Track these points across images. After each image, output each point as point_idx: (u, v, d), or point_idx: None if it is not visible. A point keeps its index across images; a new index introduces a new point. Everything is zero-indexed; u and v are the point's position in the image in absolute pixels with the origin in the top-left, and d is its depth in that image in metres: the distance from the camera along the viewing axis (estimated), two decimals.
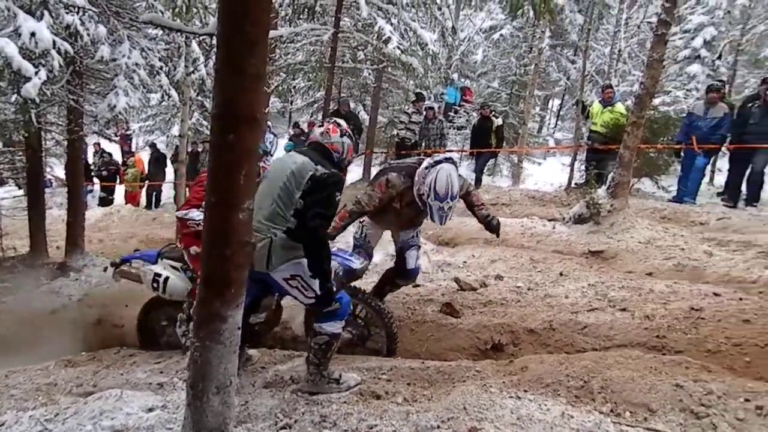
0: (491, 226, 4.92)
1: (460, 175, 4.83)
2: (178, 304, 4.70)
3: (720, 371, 3.57)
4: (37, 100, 5.90)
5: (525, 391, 3.36)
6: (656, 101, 12.17)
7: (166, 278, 4.64)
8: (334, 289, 3.54)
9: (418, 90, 13.61)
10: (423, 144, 12.77)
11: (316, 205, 3.37)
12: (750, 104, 9.19)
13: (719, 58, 15.85)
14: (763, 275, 5.48)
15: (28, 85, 5.69)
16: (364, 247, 4.89)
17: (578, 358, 3.77)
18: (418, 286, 5.71)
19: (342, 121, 3.89)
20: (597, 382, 3.34)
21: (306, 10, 10.27)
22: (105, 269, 7.32)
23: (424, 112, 12.89)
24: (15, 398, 4.07)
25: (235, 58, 2.01)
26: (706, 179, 11.25)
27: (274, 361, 4.24)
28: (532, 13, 8.69)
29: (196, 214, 4.39)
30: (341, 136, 3.74)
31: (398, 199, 4.64)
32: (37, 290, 7.64)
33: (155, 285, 4.67)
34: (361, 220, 4.97)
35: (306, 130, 13.74)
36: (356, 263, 4.48)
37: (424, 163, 4.49)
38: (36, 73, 5.65)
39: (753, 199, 9.24)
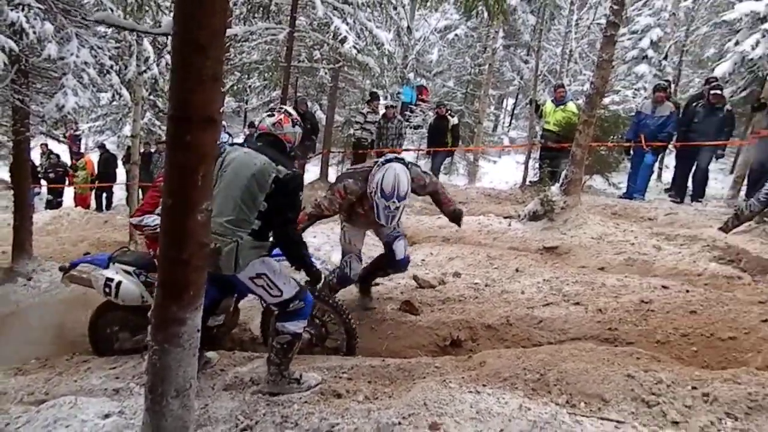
0: (456, 216, 5.05)
1: (426, 172, 4.90)
2: (130, 309, 4.58)
3: (669, 361, 3.71)
4: None
5: (484, 385, 3.42)
6: (606, 100, 12.50)
7: (119, 283, 4.49)
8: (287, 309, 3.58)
9: (372, 89, 13.64)
10: (381, 143, 12.79)
11: (284, 210, 3.42)
12: (695, 104, 9.56)
13: (665, 58, 16.37)
14: (708, 268, 5.71)
15: None
16: (353, 252, 4.89)
17: (534, 351, 3.85)
18: (378, 284, 5.73)
19: (291, 110, 3.87)
20: (553, 375, 3.42)
21: (261, 8, 10.19)
22: (56, 273, 7.12)
23: (383, 110, 12.92)
24: None
25: (191, 59, 1.99)
26: (655, 176, 11.62)
27: (233, 363, 4.19)
28: (486, 13, 8.81)
29: (151, 220, 4.34)
30: (293, 126, 3.72)
31: (359, 204, 4.69)
32: None
33: (107, 290, 4.52)
34: (342, 226, 5.01)
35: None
36: (351, 270, 4.72)
37: (377, 163, 4.54)
38: None
39: (698, 194, 9.61)
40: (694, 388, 3.18)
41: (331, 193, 4.65)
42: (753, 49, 11.97)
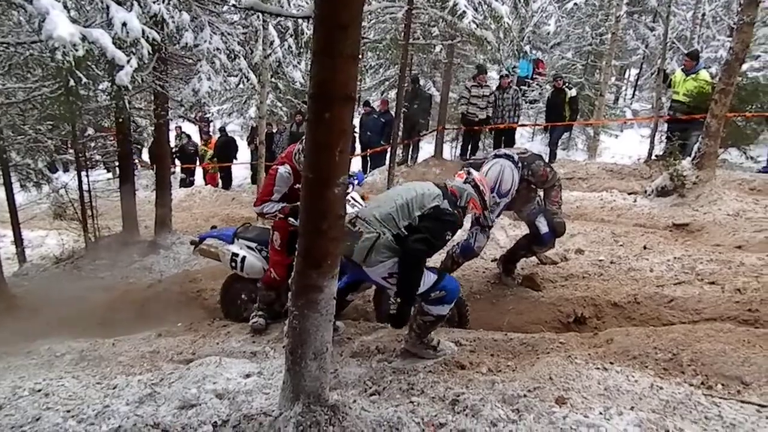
0: (552, 225, 4.93)
1: (550, 168, 4.85)
2: (256, 282, 4.93)
3: None
4: (130, 87, 6.23)
5: (611, 362, 3.35)
6: (744, 66, 11.52)
7: (243, 257, 4.91)
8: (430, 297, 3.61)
9: (479, 63, 13.34)
10: (496, 117, 12.49)
11: (427, 230, 3.46)
12: None
13: None
14: None
15: (121, 73, 6.01)
16: (486, 226, 4.91)
17: (666, 331, 3.71)
18: (496, 260, 5.72)
19: (475, 173, 3.99)
20: (686, 355, 3.30)
21: None
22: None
23: (498, 81, 12.57)
24: (123, 364, 4.40)
25: (332, 39, 2.10)
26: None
27: (359, 333, 4.39)
28: None
29: (270, 207, 4.57)
30: (464, 182, 3.87)
31: None
32: (132, 266, 8.15)
33: (233, 264, 4.96)
34: None
35: (377, 109, 13.79)
36: (476, 242, 4.76)
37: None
38: (128, 61, 5.96)
39: None
40: None
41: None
42: None
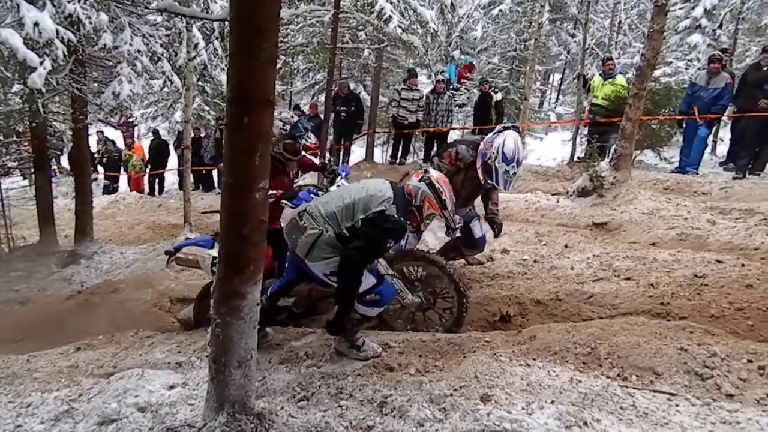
0: (495, 222, 5.06)
1: None
2: None
3: (723, 335, 3.67)
4: (43, 90, 5.96)
5: (534, 359, 3.46)
6: (657, 72, 12.14)
7: None
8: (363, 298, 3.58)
9: (410, 67, 13.53)
10: (429, 120, 12.65)
11: (366, 238, 3.41)
12: (766, 67, 9.05)
13: (720, 27, 15.75)
14: (765, 242, 5.56)
15: (33, 75, 5.75)
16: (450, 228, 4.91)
17: (585, 326, 3.86)
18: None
19: (432, 171, 3.92)
20: (604, 348, 3.44)
21: None
22: (116, 255, 7.42)
23: (434, 86, 12.75)
24: (38, 381, 4.18)
25: (249, 42, 2.08)
26: (708, 149, 11.26)
27: (288, 338, 4.34)
28: None
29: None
30: (420, 180, 3.79)
31: (463, 173, 4.77)
32: (50, 277, 7.78)
33: (215, 269, 4.67)
34: None
35: (307, 113, 13.73)
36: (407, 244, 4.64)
37: (491, 134, 4.61)
38: (41, 62, 5.70)
39: (758, 167, 9.26)
40: (749, 361, 3.15)
41: (440, 160, 4.79)
42: None
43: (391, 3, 9.74)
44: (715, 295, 4.38)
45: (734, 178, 8.96)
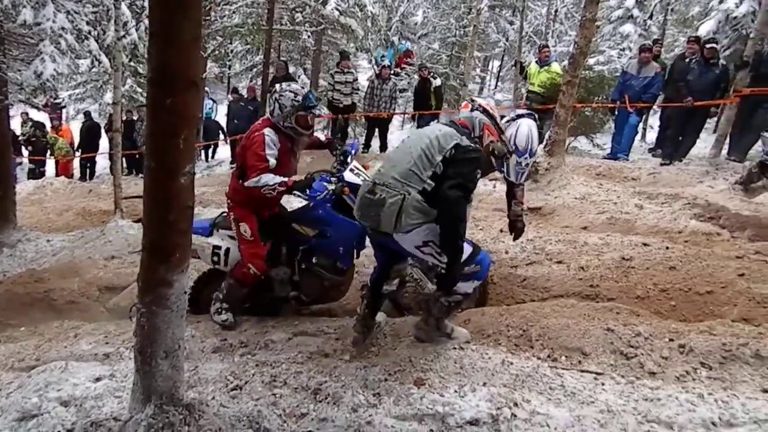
0: (516, 226, 4.30)
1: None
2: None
3: (648, 315, 3.83)
4: None
5: (468, 342, 3.51)
6: (591, 61, 12.47)
7: (227, 249, 4.35)
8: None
9: (344, 50, 13.36)
10: (372, 105, 12.54)
11: (458, 175, 3.17)
12: (689, 60, 9.37)
13: (650, 17, 16.28)
14: (688, 225, 5.81)
15: None
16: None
17: (517, 308, 3.95)
18: None
19: (477, 98, 3.65)
20: (535, 330, 3.53)
21: None
22: (42, 243, 7.06)
23: (379, 71, 12.62)
24: None
25: (170, 20, 1.98)
26: (639, 136, 11.65)
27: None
28: None
29: (270, 178, 4.00)
30: (471, 110, 3.52)
31: None
32: None
33: (215, 258, 4.40)
34: None
35: (246, 96, 13.44)
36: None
37: (505, 118, 4.08)
38: None
39: (682, 153, 9.66)
40: (671, 340, 3.29)
41: None
42: (737, 6, 11.99)
43: None
44: (641, 277, 4.54)
45: (661, 164, 9.32)
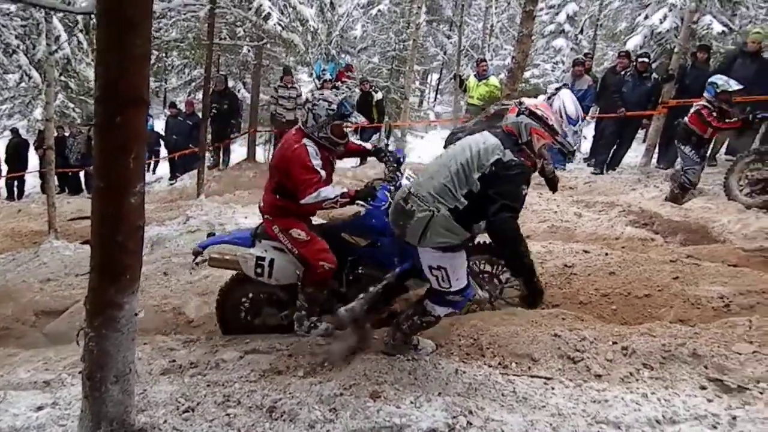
0: (553, 181, 4.30)
1: None
2: (260, 285, 4.25)
3: (591, 320, 3.96)
4: None
5: (420, 353, 3.55)
6: (527, 74, 12.86)
7: (272, 260, 4.10)
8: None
9: (286, 65, 13.37)
10: None
11: (500, 196, 3.02)
12: (623, 72, 9.79)
13: (581, 32, 16.96)
14: (624, 232, 6.06)
15: None
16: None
17: (468, 318, 4.01)
18: None
19: (527, 100, 3.41)
20: (485, 339, 3.60)
21: None
22: None
23: (321, 85, 12.62)
24: None
25: (120, 38, 1.95)
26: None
27: (169, 348, 4.15)
28: None
29: (329, 192, 3.83)
30: (517, 115, 3.25)
31: None
32: None
33: (259, 270, 4.13)
34: None
35: (184, 110, 13.20)
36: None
37: (545, 96, 3.89)
38: None
39: (614, 163, 10.07)
40: (614, 343, 3.43)
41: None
42: (661, 22, 12.66)
43: (270, 0, 9.58)
44: (583, 283, 4.70)
45: (593, 173, 9.71)
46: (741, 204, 6.56)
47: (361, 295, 3.73)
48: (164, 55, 13.78)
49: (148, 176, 14.34)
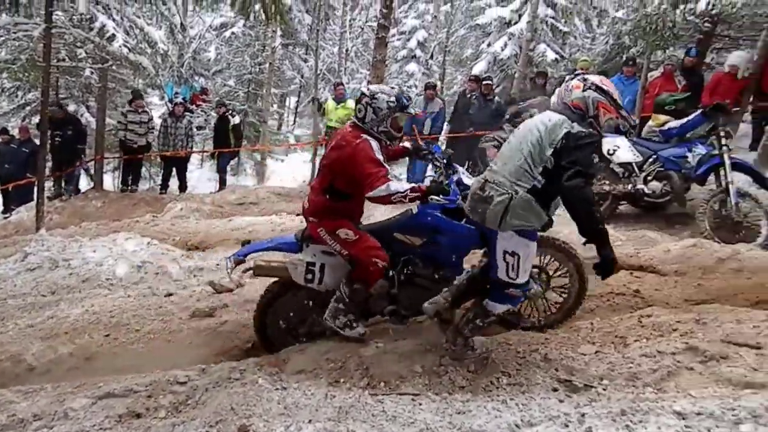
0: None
1: None
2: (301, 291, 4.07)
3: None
4: None
5: (289, 381, 3.49)
6: None
7: (322, 266, 3.94)
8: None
9: (136, 88, 12.76)
10: (167, 144, 11.99)
11: (572, 164, 3.09)
12: (469, 95, 10.41)
13: (431, 57, 17.84)
14: None
15: None
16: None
17: (336, 341, 4.01)
18: (171, 294, 5.51)
19: (591, 76, 3.43)
20: (353, 361, 3.63)
21: (7, 0, 9.03)
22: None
23: (172, 109, 12.12)
24: None
25: None
26: (429, 166, 12.57)
27: (9, 401, 3.73)
28: (263, 14, 8.81)
29: (398, 186, 3.63)
30: (584, 90, 3.31)
31: None
32: None
33: (309, 276, 3.94)
34: None
35: (18, 137, 12.07)
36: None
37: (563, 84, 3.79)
38: None
39: None
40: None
41: (514, 125, 4.55)
42: (502, 50, 13.66)
43: (113, 20, 9.09)
44: None
45: None
46: None
47: (446, 289, 3.71)
48: None
49: None
